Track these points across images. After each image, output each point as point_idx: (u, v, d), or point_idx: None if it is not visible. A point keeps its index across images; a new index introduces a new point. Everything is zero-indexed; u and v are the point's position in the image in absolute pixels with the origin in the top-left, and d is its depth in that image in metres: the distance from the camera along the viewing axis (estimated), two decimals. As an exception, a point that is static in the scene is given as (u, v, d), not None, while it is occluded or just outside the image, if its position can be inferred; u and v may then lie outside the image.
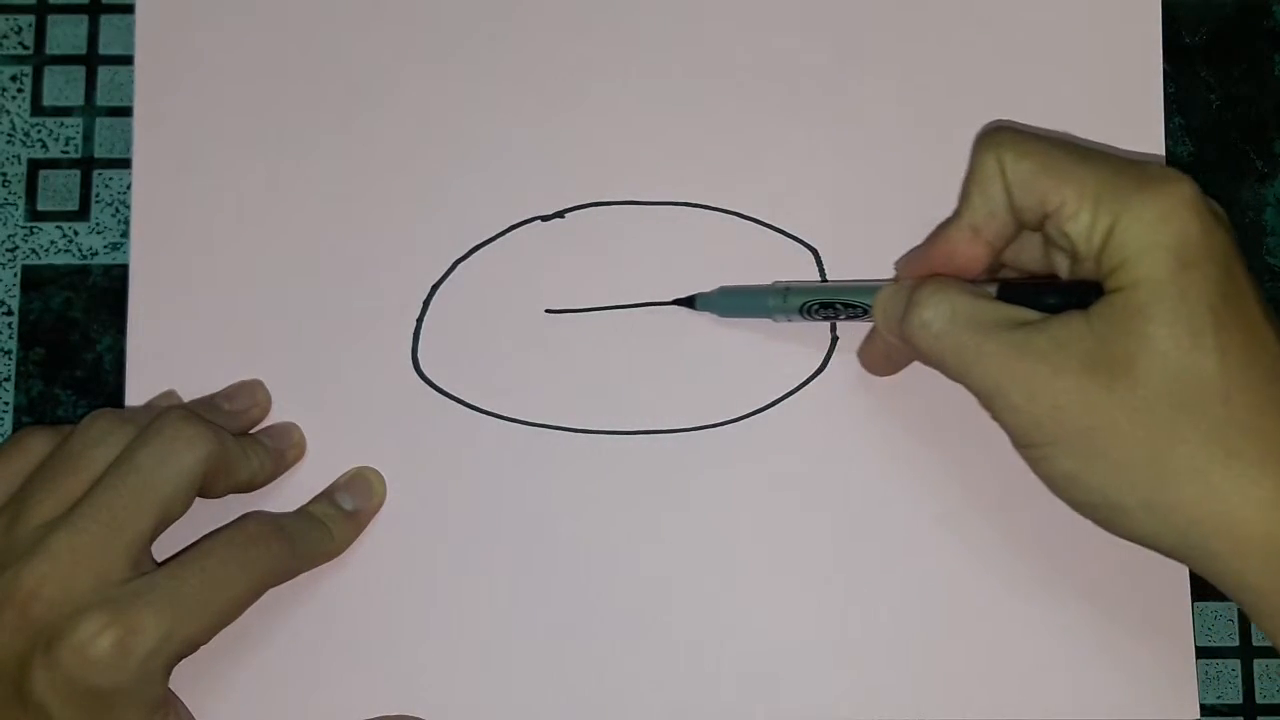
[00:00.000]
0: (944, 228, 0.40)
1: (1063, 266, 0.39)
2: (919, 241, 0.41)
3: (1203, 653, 0.45)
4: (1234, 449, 0.35)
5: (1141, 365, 0.35)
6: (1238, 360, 0.35)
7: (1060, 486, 0.37)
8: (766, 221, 0.45)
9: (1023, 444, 0.37)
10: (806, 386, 0.45)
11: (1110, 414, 0.35)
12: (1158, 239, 0.36)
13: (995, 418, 0.38)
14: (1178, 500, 0.35)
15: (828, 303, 0.42)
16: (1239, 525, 0.35)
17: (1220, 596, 0.45)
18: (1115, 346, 0.35)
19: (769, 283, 0.44)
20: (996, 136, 0.39)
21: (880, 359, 0.44)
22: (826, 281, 0.45)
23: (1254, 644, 0.45)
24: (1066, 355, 0.36)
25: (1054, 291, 0.38)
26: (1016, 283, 0.40)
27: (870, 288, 0.41)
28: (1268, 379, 0.36)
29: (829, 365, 0.45)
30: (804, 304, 0.42)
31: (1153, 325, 0.35)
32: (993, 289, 0.39)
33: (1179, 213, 0.36)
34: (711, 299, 0.44)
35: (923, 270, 0.40)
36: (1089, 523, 0.43)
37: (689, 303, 0.45)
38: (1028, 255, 0.41)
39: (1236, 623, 0.45)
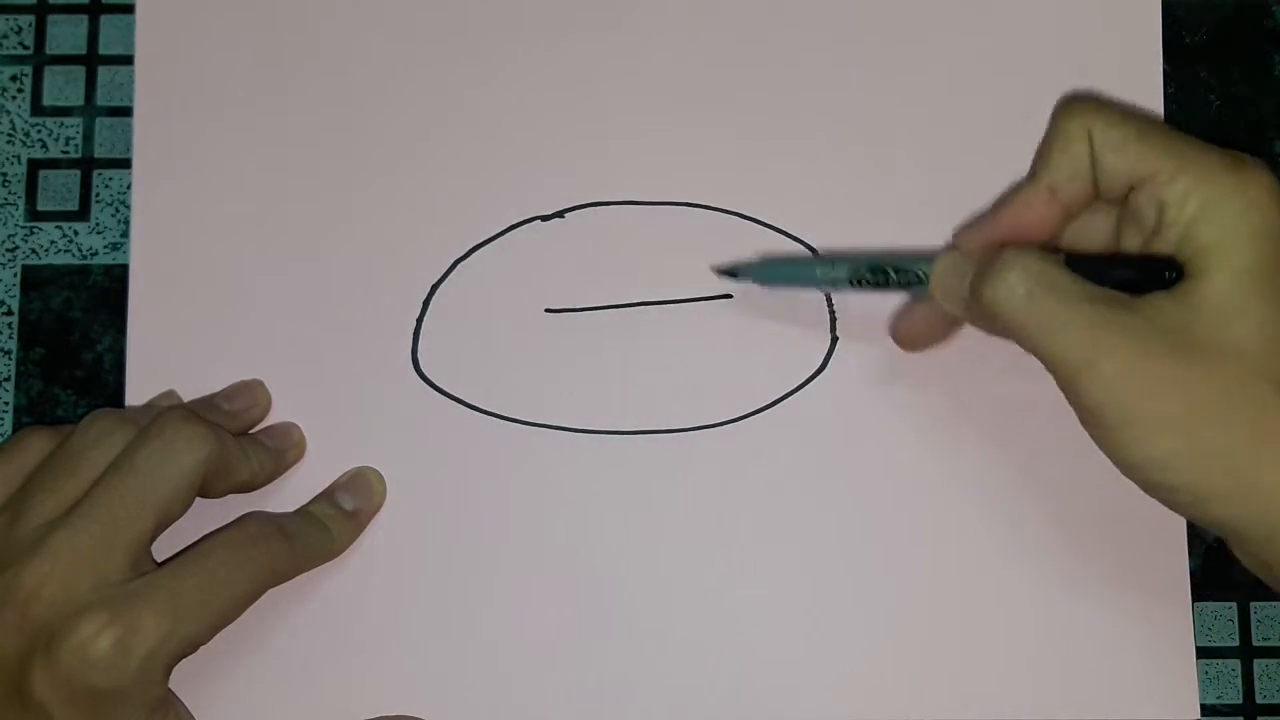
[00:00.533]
0: (1015, 191, 0.39)
1: (1132, 244, 0.39)
2: (918, 242, 0.41)
3: (1203, 653, 0.45)
4: None
5: (1239, 351, 0.35)
6: None
7: (1142, 470, 0.36)
8: (766, 221, 0.45)
9: (1106, 425, 0.36)
10: (806, 386, 0.45)
11: (1210, 398, 0.35)
12: (1256, 225, 0.36)
13: (1075, 394, 0.36)
14: (1271, 485, 0.35)
15: (878, 268, 0.41)
16: None
17: (1221, 596, 0.45)
18: (1213, 331, 0.35)
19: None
20: (1082, 104, 0.38)
21: (919, 332, 0.43)
22: (876, 252, 0.43)
23: (1254, 644, 0.45)
24: (1160, 336, 0.35)
25: (1129, 265, 0.37)
26: (1085, 255, 0.39)
27: (925, 255, 0.40)
28: None
29: (829, 365, 0.45)
30: (854, 272, 0.41)
31: (1253, 312, 0.35)
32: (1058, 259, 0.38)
33: (1274, 201, 0.36)
34: (755, 267, 0.44)
35: (989, 235, 0.39)
36: (1089, 523, 0.43)
37: (731, 273, 0.44)
38: (1089, 232, 0.40)
39: (1236, 623, 0.45)
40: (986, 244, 0.39)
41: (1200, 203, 0.36)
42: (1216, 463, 0.35)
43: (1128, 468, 0.37)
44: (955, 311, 0.39)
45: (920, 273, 0.40)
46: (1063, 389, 0.37)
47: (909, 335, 0.43)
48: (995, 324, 0.38)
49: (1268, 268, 0.36)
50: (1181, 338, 0.35)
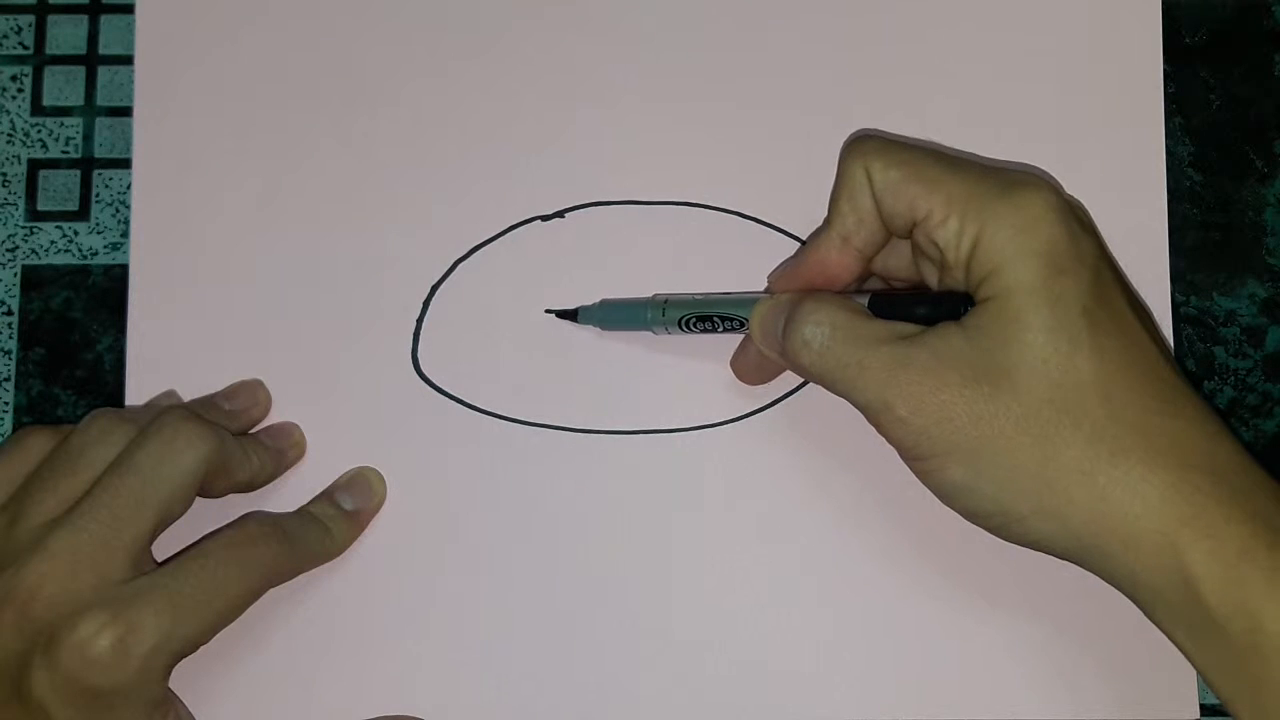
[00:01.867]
0: (814, 239, 0.41)
1: (931, 275, 0.40)
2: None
3: (1203, 653, 0.45)
4: (1119, 448, 0.35)
5: (1022, 373, 0.36)
6: (1115, 361, 0.36)
7: (952, 497, 0.38)
8: (766, 221, 0.45)
9: (912, 457, 0.38)
10: (806, 386, 0.45)
11: (996, 423, 0.36)
12: (1027, 246, 0.36)
13: (882, 432, 0.38)
14: (1068, 504, 0.36)
15: (705, 316, 0.42)
16: (1130, 523, 0.35)
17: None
18: (995, 356, 0.36)
19: (648, 296, 0.44)
20: (863, 145, 0.39)
21: (752, 369, 0.43)
22: (705, 295, 0.44)
23: (1254, 644, 0.45)
24: (947, 367, 0.36)
25: (924, 302, 0.38)
26: (887, 294, 0.40)
27: (748, 300, 0.41)
28: (1145, 379, 0.36)
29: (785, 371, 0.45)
30: (682, 317, 0.42)
31: (1030, 333, 0.36)
32: (863, 300, 0.39)
33: (1046, 218, 0.37)
34: (592, 312, 0.44)
35: (796, 282, 0.41)
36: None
37: (571, 315, 0.44)
38: (896, 263, 0.41)
39: (1237, 623, 0.45)
40: (798, 289, 0.40)
41: (974, 237, 0.37)
42: (1012, 485, 0.36)
43: (941, 496, 0.38)
44: (774, 357, 0.40)
45: (743, 318, 0.41)
46: (874, 427, 0.38)
47: (742, 372, 0.44)
48: (800, 374, 0.40)
49: (1036, 285, 0.36)
50: (970, 367, 0.36)
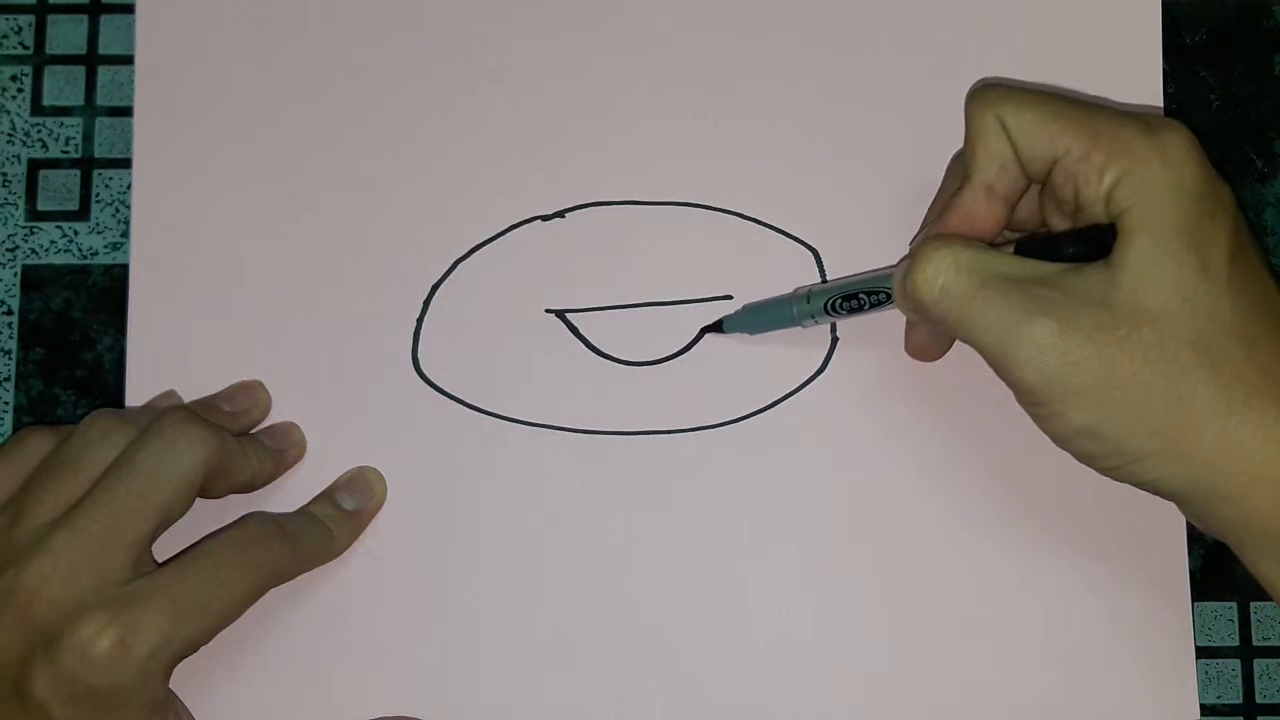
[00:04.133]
0: (957, 196, 0.40)
1: (1059, 223, 0.39)
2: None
3: (1203, 653, 0.45)
4: (1255, 391, 0.35)
5: (1169, 314, 0.35)
6: (1254, 307, 0.36)
7: (1070, 440, 0.37)
8: (766, 221, 0.45)
9: (1030, 401, 0.37)
10: (806, 387, 0.45)
11: (1130, 364, 0.35)
12: (1176, 184, 0.36)
13: (1001, 376, 0.37)
14: (1198, 443, 0.36)
15: (850, 294, 0.41)
16: (1258, 465, 0.35)
17: (1220, 597, 0.45)
18: (1140, 296, 0.36)
19: (783, 292, 0.44)
20: (988, 93, 0.39)
21: (923, 342, 0.43)
22: (841, 278, 0.44)
23: (1254, 644, 0.45)
24: (1083, 306, 0.36)
25: (1072, 240, 0.38)
26: (1033, 238, 0.39)
27: (890, 272, 0.40)
28: (1278, 327, 0.37)
29: (829, 365, 0.45)
30: (828, 301, 0.42)
31: (1182, 273, 0.35)
32: (1008, 250, 0.38)
33: (1192, 159, 0.37)
34: (738, 319, 0.44)
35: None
36: (1089, 523, 0.44)
37: (717, 327, 0.44)
38: (1023, 216, 0.41)
39: (1236, 623, 0.45)
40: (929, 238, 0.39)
41: (1117, 172, 0.37)
42: (1139, 426, 0.36)
43: (1059, 440, 0.37)
44: (914, 319, 0.40)
45: (888, 290, 0.40)
46: (994, 370, 0.37)
47: (917, 349, 0.43)
48: (926, 319, 0.39)
49: (1187, 226, 0.36)
50: (1105, 307, 0.36)
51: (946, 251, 0.37)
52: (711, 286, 0.45)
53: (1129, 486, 0.38)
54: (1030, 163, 0.38)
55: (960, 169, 0.40)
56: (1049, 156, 0.38)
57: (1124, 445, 0.36)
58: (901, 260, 0.40)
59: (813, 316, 0.43)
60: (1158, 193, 0.36)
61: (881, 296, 0.41)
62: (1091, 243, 0.37)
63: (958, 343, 0.43)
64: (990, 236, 0.40)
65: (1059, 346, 0.36)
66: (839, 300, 0.42)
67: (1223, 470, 0.36)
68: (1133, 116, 0.38)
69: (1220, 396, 0.35)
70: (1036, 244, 0.38)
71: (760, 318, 0.44)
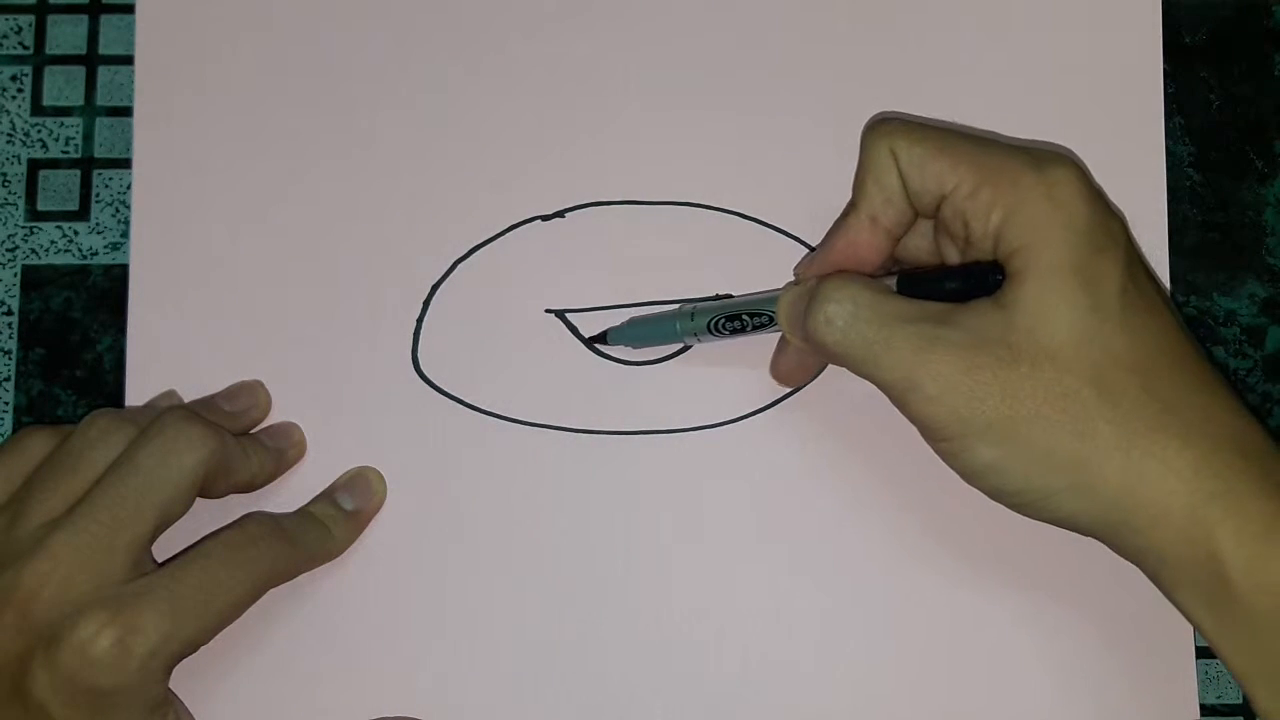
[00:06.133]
0: (841, 223, 0.40)
1: (952, 255, 0.40)
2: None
3: (1203, 653, 0.44)
4: (1155, 425, 0.36)
5: (1065, 352, 0.36)
6: (1150, 341, 0.37)
7: (979, 476, 0.37)
8: (766, 221, 0.45)
9: (938, 437, 0.37)
10: (806, 387, 0.45)
11: (1033, 402, 0.36)
12: (1064, 221, 0.36)
13: (907, 412, 0.38)
14: (1102, 480, 0.36)
15: (733, 315, 0.42)
16: (1163, 497, 0.36)
17: (1220, 596, 0.45)
18: (1036, 334, 0.36)
19: (675, 307, 0.44)
20: (885, 125, 0.39)
21: (792, 368, 0.43)
22: (732, 296, 0.44)
23: (1254, 644, 0.45)
24: (982, 345, 0.36)
25: (955, 276, 0.38)
26: (915, 272, 0.40)
27: (774, 294, 0.41)
28: (1176, 358, 0.37)
29: (828, 365, 0.45)
30: (711, 320, 0.42)
31: (1074, 311, 0.36)
32: (890, 282, 0.39)
33: (1080, 195, 0.37)
34: (622, 331, 0.44)
35: (825, 269, 0.40)
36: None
37: (601, 339, 0.44)
38: (917, 246, 0.41)
39: (1236, 623, 0.45)
40: (824, 275, 0.40)
41: (1005, 210, 0.37)
42: (1045, 463, 0.36)
43: (968, 476, 0.38)
44: (802, 346, 0.40)
45: (771, 313, 0.41)
46: (898, 409, 0.38)
47: (782, 374, 0.44)
48: (824, 356, 0.39)
49: (1076, 265, 0.36)
50: (1002, 344, 0.36)
51: (846, 293, 0.38)
52: (711, 286, 0.45)
53: None
54: (918, 196, 0.39)
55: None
56: (937, 192, 0.38)
57: (1031, 483, 0.37)
58: (787, 285, 0.41)
59: (695, 334, 0.43)
60: (1046, 232, 0.36)
61: (764, 319, 0.41)
62: (972, 279, 0.37)
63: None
64: (873, 268, 0.40)
65: (965, 383, 0.36)
66: (722, 320, 0.42)
67: (1128, 504, 0.36)
68: (1023, 152, 0.38)
69: (1121, 431, 0.36)
70: (918, 278, 0.39)
71: (643, 331, 0.44)
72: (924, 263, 0.41)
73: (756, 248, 0.45)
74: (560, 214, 0.46)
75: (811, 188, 0.45)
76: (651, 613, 0.44)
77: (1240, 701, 0.45)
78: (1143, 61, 0.46)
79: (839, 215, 0.41)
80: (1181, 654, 0.43)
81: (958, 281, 0.38)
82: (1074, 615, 0.43)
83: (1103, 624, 0.43)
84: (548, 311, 0.45)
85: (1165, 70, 0.46)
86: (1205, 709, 0.44)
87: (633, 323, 0.44)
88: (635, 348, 0.44)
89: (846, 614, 0.44)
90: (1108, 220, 0.37)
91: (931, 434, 0.38)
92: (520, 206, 0.46)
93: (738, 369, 0.45)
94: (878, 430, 0.44)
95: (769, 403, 0.45)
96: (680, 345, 0.45)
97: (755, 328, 0.42)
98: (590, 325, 0.45)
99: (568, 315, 0.45)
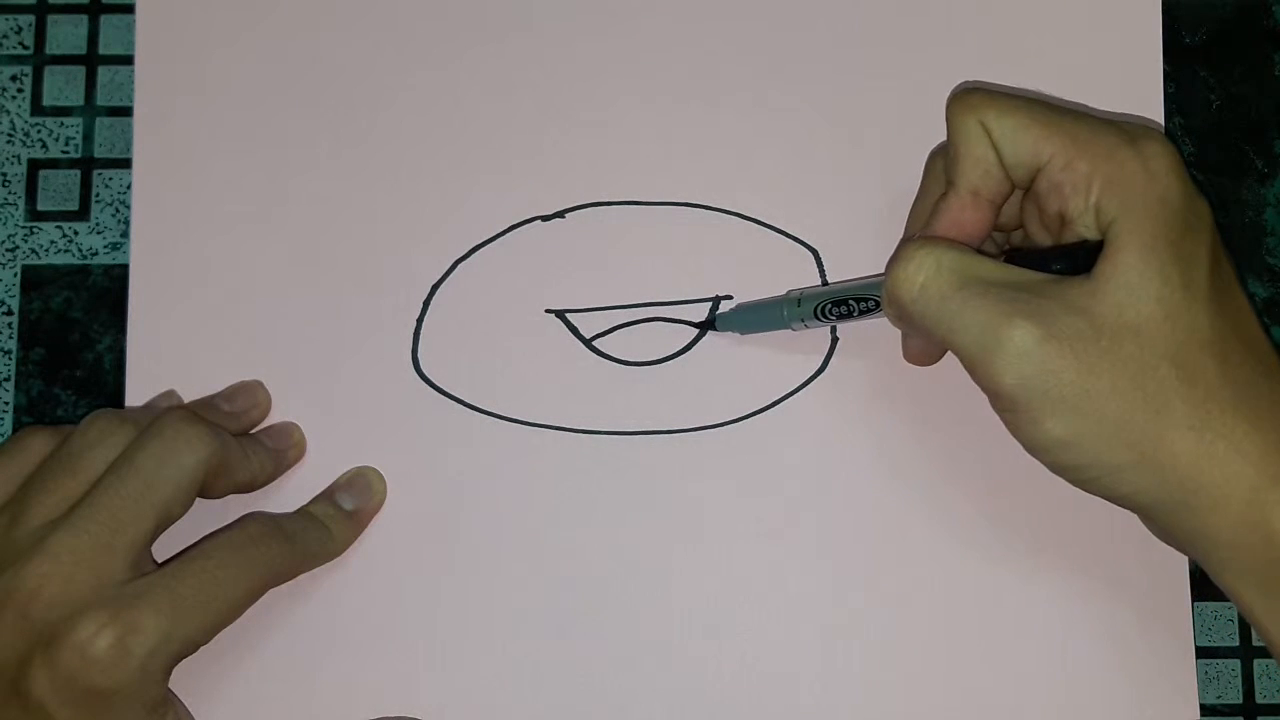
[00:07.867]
0: (943, 202, 0.40)
1: (1036, 229, 0.40)
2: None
3: (1203, 653, 0.45)
4: (1228, 406, 0.36)
5: (1149, 328, 0.36)
6: (1230, 323, 0.37)
7: (1044, 449, 0.37)
8: (766, 221, 0.45)
9: (1008, 408, 0.37)
10: (806, 387, 0.45)
11: (1110, 374, 0.35)
12: (1158, 197, 0.36)
13: (978, 379, 0.37)
14: (1171, 456, 0.36)
15: (840, 300, 0.41)
16: (1228, 479, 0.35)
17: (1220, 596, 0.45)
18: (1124, 310, 0.36)
19: (780, 293, 0.44)
20: (969, 98, 0.39)
21: (917, 346, 0.43)
22: (838, 282, 0.44)
23: (1254, 644, 0.45)
24: (1066, 317, 0.36)
25: (1059, 255, 0.38)
26: (1020, 250, 0.39)
27: (880, 280, 0.40)
28: (1251, 341, 0.37)
29: (829, 366, 0.45)
30: (817, 306, 0.42)
31: (1165, 286, 0.36)
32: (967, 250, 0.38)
33: (1174, 171, 0.37)
34: (731, 318, 0.44)
35: None
36: (1089, 523, 0.43)
37: (710, 325, 0.44)
38: (1003, 223, 0.41)
39: (1236, 623, 0.45)
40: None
41: (1102, 182, 0.37)
42: (1116, 438, 0.36)
43: (1033, 448, 0.37)
44: (898, 326, 0.40)
45: (877, 297, 0.40)
46: (970, 374, 0.37)
47: (913, 354, 0.43)
48: (905, 322, 0.38)
49: (1172, 240, 0.36)
50: (1087, 317, 0.36)
51: (928, 251, 0.37)
52: (711, 286, 0.45)
53: None
54: (1014, 168, 0.38)
55: (939, 169, 0.40)
56: (1032, 164, 0.38)
57: (1100, 457, 0.36)
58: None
59: (803, 320, 0.43)
60: (1144, 205, 0.36)
61: (870, 304, 0.41)
62: (1078, 258, 0.37)
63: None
64: (977, 241, 0.40)
65: (1040, 353, 0.36)
66: (829, 305, 0.42)
67: (1194, 484, 0.36)
68: (1114, 125, 0.38)
69: (1195, 411, 0.36)
70: (1023, 258, 0.38)
71: (752, 318, 0.44)
72: (1007, 235, 0.40)
73: (756, 248, 0.45)
74: (560, 214, 0.46)
75: (811, 188, 0.45)
76: (651, 612, 0.44)
77: (1240, 702, 0.45)
78: (1143, 61, 0.46)
79: (919, 196, 0.40)
80: (1181, 654, 0.43)
81: (1062, 260, 0.37)
82: (1074, 615, 0.43)
83: (1103, 624, 0.43)
84: (548, 311, 0.45)
85: (1165, 70, 0.46)
86: (1205, 709, 0.44)
87: (741, 309, 0.44)
88: (743, 334, 0.44)
89: (846, 614, 0.44)
90: (1198, 200, 0.37)
91: (1001, 403, 0.37)
92: (520, 206, 0.46)
93: (737, 369, 0.45)
94: (878, 431, 0.44)
95: (769, 403, 0.45)
96: (688, 343, 0.44)
97: (862, 313, 0.41)
98: (590, 325, 0.45)
99: (568, 315, 0.45)
